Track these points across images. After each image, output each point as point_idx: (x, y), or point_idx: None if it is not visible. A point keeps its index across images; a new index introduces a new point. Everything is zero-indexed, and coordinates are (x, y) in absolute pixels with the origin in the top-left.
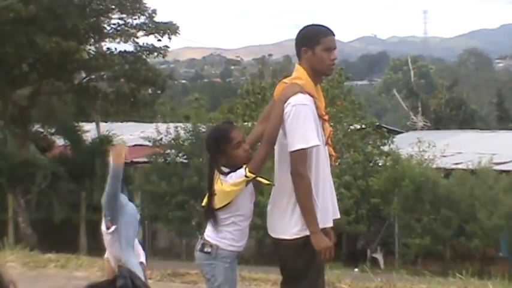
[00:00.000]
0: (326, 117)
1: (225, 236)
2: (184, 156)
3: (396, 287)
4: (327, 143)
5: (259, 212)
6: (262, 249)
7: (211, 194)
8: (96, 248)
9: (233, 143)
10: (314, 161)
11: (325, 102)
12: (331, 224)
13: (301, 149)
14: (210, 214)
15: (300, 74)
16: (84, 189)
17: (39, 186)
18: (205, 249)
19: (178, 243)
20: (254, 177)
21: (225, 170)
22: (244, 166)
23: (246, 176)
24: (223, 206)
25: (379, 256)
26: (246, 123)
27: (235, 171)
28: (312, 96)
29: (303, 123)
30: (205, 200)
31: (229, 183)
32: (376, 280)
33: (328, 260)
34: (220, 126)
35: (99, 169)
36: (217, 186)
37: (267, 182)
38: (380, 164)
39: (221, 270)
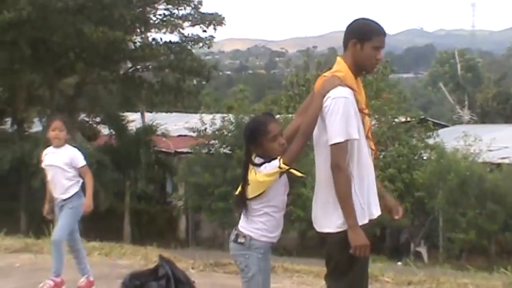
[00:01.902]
0: (366, 111)
1: (258, 226)
2: (228, 148)
3: (440, 282)
4: (367, 137)
5: (302, 205)
6: (305, 241)
7: (245, 184)
8: (140, 237)
9: (269, 135)
10: (356, 154)
11: (370, 95)
12: (374, 217)
13: (341, 142)
14: (242, 203)
15: (340, 67)
16: (128, 179)
17: None
18: (239, 240)
19: (221, 233)
20: (287, 169)
21: (259, 161)
22: (279, 157)
23: (279, 168)
24: (256, 196)
25: (422, 250)
26: (289, 115)
27: (269, 161)
28: (352, 89)
29: (342, 117)
30: (238, 189)
31: (263, 173)
32: (420, 274)
33: (363, 257)
34: (258, 118)
35: (144, 159)
36: (251, 176)
37: (300, 174)
38: (425, 158)
39: (254, 261)
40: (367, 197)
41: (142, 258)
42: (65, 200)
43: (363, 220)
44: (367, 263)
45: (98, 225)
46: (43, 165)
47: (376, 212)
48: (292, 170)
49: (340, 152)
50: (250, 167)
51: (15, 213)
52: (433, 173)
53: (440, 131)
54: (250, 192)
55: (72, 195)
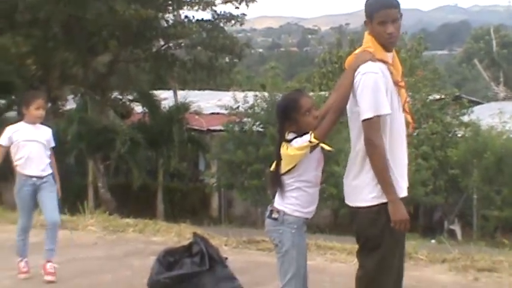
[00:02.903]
0: (402, 83)
1: (290, 201)
2: (261, 125)
3: (474, 259)
4: (404, 110)
5: (334, 182)
6: (338, 219)
7: (279, 160)
8: (173, 215)
9: (302, 110)
10: (388, 129)
11: (404, 72)
12: (405, 193)
13: (373, 117)
14: (276, 180)
15: (369, 42)
16: (161, 156)
17: (118, 153)
18: (273, 215)
19: (253, 211)
20: (318, 143)
21: (291, 136)
22: (310, 132)
23: (309, 141)
24: (288, 171)
25: (456, 228)
26: (322, 93)
27: (301, 136)
28: (384, 62)
29: (372, 92)
30: (273, 166)
31: (293, 147)
32: (454, 251)
33: (403, 232)
34: (289, 95)
35: (176, 137)
36: (282, 151)
37: (328, 148)
38: (459, 135)
39: (288, 236)
40: (401, 171)
41: (176, 235)
42: (43, 177)
43: (401, 193)
44: (402, 239)
45: (132, 202)
46: (17, 140)
47: (406, 186)
48: (322, 144)
49: (372, 127)
50: (283, 143)
51: None
52: (467, 150)
53: (475, 108)
54: (283, 167)
55: (50, 173)
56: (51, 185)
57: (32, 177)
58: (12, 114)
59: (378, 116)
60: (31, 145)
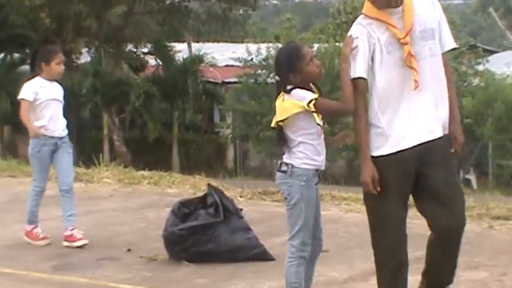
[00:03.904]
0: (405, 40)
1: (297, 155)
2: (274, 77)
3: (489, 207)
4: (410, 67)
5: None
6: (352, 169)
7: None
8: (188, 167)
9: (306, 59)
10: (374, 88)
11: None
12: (405, 147)
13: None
14: (280, 135)
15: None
16: (176, 109)
17: (133, 106)
18: (282, 168)
19: (269, 163)
20: (312, 111)
21: (289, 87)
22: (312, 98)
23: (307, 106)
24: (281, 121)
25: (472, 177)
26: (337, 44)
27: (302, 88)
28: (377, 19)
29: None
30: (273, 121)
31: (290, 100)
32: (469, 200)
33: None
34: (290, 44)
35: (191, 89)
36: (278, 102)
37: (320, 121)
38: (474, 84)
39: (297, 189)
40: (399, 128)
41: (190, 187)
42: (63, 138)
43: (389, 149)
44: (394, 189)
45: (147, 155)
46: (41, 99)
47: (411, 142)
48: (315, 114)
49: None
50: (281, 94)
51: None
52: (480, 100)
53: (491, 58)
54: (275, 118)
55: (68, 133)
56: (69, 145)
57: (53, 137)
58: (25, 67)
59: (354, 80)
60: (53, 104)
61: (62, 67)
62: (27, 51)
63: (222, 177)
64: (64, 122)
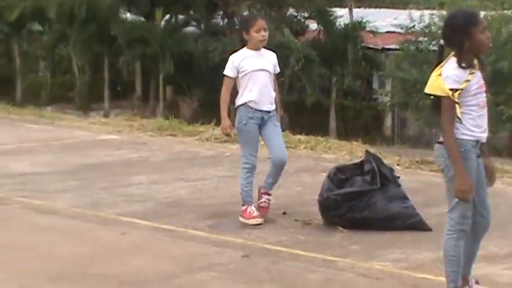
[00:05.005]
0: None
1: (455, 126)
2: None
3: None
4: None
5: None
6: None
7: None
8: (345, 133)
9: (481, 26)
10: None
11: None
12: None
13: None
14: (435, 103)
15: None
16: (335, 74)
17: (292, 69)
18: (439, 139)
19: (428, 131)
20: (455, 102)
21: (451, 62)
22: (459, 88)
23: (451, 93)
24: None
25: None
26: (505, 11)
27: (467, 68)
28: None
29: None
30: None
31: (439, 80)
32: None
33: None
34: (466, 9)
35: (351, 55)
36: (433, 73)
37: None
38: None
39: None
40: None
41: (347, 153)
42: (270, 111)
43: None
44: None
45: (304, 119)
46: (245, 70)
47: None
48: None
49: None
50: (438, 67)
51: None
52: None
53: None
54: (427, 88)
55: (275, 107)
56: (275, 119)
57: (260, 111)
58: (190, 29)
59: None
60: (259, 75)
61: (262, 34)
62: (191, 13)
63: (379, 145)
64: (272, 95)
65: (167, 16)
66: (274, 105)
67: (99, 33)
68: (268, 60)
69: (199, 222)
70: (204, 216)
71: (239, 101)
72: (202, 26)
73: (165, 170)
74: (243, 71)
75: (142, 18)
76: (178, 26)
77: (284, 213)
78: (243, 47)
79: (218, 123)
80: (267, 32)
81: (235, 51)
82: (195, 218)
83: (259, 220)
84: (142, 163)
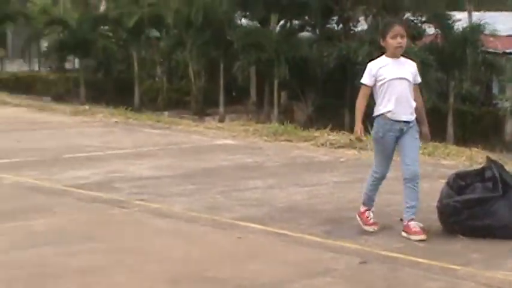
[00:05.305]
0: None
1: None
2: None
3: None
4: None
5: None
6: None
7: None
8: (463, 139)
9: None
10: None
11: None
12: None
13: None
14: None
15: None
16: (452, 79)
17: None
18: None
19: None
20: None
21: None
22: None
23: None
24: None
25: None
26: None
27: None
28: None
29: None
30: None
31: None
32: None
33: None
34: None
35: (470, 59)
36: None
37: None
38: None
39: None
40: None
41: (466, 159)
42: (410, 122)
43: None
44: None
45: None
46: (383, 79)
47: None
48: None
49: None
50: None
51: (340, 110)
52: None
53: None
54: None
55: (415, 119)
56: (415, 130)
57: (399, 122)
58: (305, 34)
59: None
60: (397, 84)
61: (399, 40)
62: (306, 18)
63: (499, 151)
64: (412, 105)
65: (282, 21)
66: (414, 115)
67: (215, 38)
68: (408, 69)
69: (315, 227)
70: (319, 222)
71: (377, 111)
72: (317, 31)
73: (281, 175)
74: (380, 80)
75: (258, 24)
76: (293, 31)
77: (401, 219)
78: (381, 55)
79: (333, 129)
80: (405, 39)
81: (373, 59)
82: (311, 223)
83: (374, 228)
84: (258, 168)
